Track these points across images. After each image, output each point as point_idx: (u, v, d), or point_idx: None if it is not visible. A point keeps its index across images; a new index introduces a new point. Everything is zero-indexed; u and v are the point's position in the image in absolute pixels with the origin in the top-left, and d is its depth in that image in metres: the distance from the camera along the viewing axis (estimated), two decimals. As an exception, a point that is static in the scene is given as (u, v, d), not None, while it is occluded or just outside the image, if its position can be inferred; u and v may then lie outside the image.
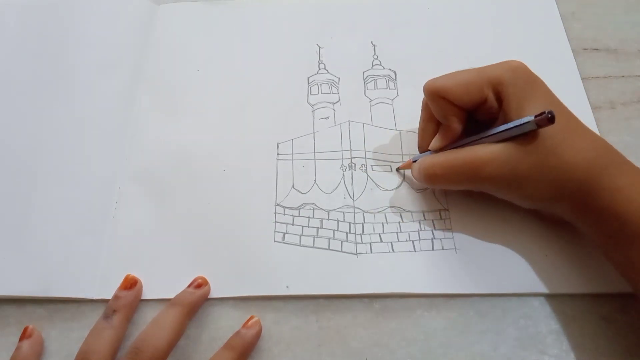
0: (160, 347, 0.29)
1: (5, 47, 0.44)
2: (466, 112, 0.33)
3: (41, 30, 0.45)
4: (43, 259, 0.35)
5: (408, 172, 0.38)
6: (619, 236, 0.28)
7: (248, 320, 0.33)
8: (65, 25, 0.45)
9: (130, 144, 0.40)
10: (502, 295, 0.33)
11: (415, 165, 0.34)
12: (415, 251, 0.34)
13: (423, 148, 0.36)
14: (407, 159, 0.38)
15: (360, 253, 0.34)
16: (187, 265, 0.35)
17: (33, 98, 0.42)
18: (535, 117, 0.28)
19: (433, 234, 0.35)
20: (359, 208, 0.36)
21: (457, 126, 0.33)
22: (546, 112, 0.28)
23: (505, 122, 0.30)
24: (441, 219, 0.36)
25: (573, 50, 0.42)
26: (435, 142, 0.34)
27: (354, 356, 0.32)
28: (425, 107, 0.35)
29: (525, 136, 0.29)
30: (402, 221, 0.36)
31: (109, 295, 0.33)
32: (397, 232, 0.35)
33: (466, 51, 0.43)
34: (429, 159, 0.33)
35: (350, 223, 0.36)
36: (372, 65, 0.43)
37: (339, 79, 0.43)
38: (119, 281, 0.34)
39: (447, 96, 0.32)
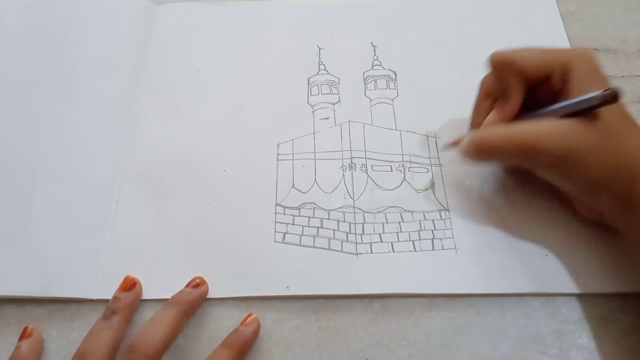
0: (155, 345, 0.29)
1: (5, 47, 0.44)
2: (526, 87, 0.32)
3: (41, 30, 0.45)
4: (43, 259, 0.35)
5: (408, 173, 0.38)
6: None
7: (246, 318, 0.33)
8: (65, 25, 0.45)
9: (130, 144, 0.40)
10: (502, 295, 0.33)
11: (464, 140, 0.33)
12: (415, 251, 0.34)
13: (476, 125, 0.35)
14: (407, 158, 0.38)
15: (360, 253, 0.34)
16: (187, 265, 0.35)
17: (33, 98, 0.42)
18: (602, 91, 0.28)
19: (433, 234, 0.35)
20: (359, 208, 0.36)
21: (517, 97, 0.32)
22: (612, 87, 0.28)
23: None
24: (441, 219, 0.36)
25: None
26: (492, 117, 0.33)
27: (354, 356, 0.32)
28: (484, 84, 0.35)
29: (587, 116, 0.29)
30: (402, 221, 0.36)
31: (108, 295, 0.33)
32: (397, 232, 0.35)
33: (466, 51, 0.43)
34: (481, 131, 0.32)
35: (350, 223, 0.36)
36: (372, 66, 0.43)
37: (339, 79, 0.43)
38: (118, 281, 0.34)
39: (517, 62, 0.32)
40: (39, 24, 0.45)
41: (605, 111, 0.29)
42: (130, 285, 0.33)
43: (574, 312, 0.32)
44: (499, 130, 0.32)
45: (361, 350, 0.32)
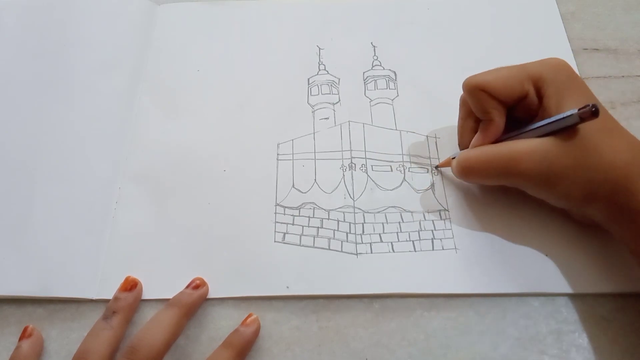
0: (156, 346, 0.29)
1: (4, 47, 0.44)
2: (506, 108, 0.32)
3: (41, 30, 0.45)
4: (43, 258, 0.35)
5: (408, 173, 0.38)
6: None
7: (246, 318, 0.33)
8: (65, 25, 0.45)
9: (130, 144, 0.40)
10: (502, 295, 0.33)
11: (454, 161, 0.34)
12: (415, 251, 0.34)
13: (463, 146, 0.35)
14: (407, 158, 0.38)
15: (360, 253, 0.34)
16: (187, 265, 0.35)
17: (33, 98, 0.42)
18: (579, 110, 0.28)
19: (433, 234, 0.35)
20: (359, 208, 0.36)
21: (499, 120, 0.32)
22: (590, 105, 0.27)
23: (545, 118, 0.30)
24: (441, 219, 0.36)
25: (573, 50, 0.42)
26: (476, 140, 0.33)
27: (354, 356, 0.32)
28: (463, 104, 0.35)
29: (565, 133, 0.29)
30: (402, 221, 0.36)
31: (108, 295, 0.33)
32: (397, 232, 0.35)
33: (466, 51, 0.43)
34: (465, 153, 0.33)
35: (350, 223, 0.36)
36: (372, 66, 0.43)
37: (339, 79, 0.43)
38: (119, 281, 0.34)
39: (488, 89, 0.31)
40: (39, 24, 0.45)
41: (585, 125, 0.29)
42: (131, 285, 0.33)
43: (574, 312, 0.32)
44: (480, 152, 0.32)
45: (361, 350, 0.32)
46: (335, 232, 0.35)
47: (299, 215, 0.36)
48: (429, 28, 0.45)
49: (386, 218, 0.36)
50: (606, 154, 0.29)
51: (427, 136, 0.39)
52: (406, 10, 0.46)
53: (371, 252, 0.35)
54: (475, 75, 0.32)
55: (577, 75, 0.32)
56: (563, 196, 0.31)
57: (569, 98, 0.30)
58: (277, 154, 0.39)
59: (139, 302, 0.34)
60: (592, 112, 0.27)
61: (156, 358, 0.29)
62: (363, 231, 0.35)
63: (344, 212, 0.36)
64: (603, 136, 0.29)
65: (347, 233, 0.35)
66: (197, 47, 0.45)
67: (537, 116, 0.32)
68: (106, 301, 0.33)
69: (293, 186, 0.37)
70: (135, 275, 0.34)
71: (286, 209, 0.37)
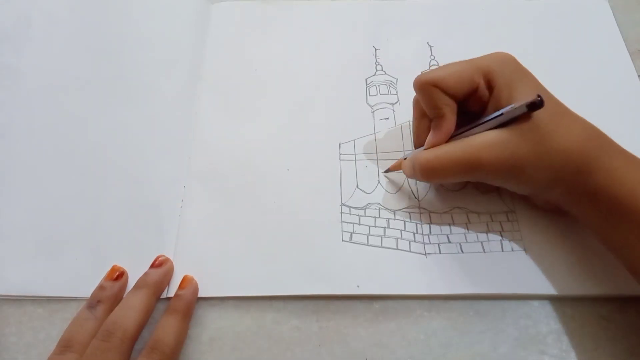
0: (130, 328, 0.30)
1: (64, 47, 0.44)
2: (456, 104, 0.33)
3: (97, 28, 0.45)
4: (113, 259, 0.35)
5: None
6: (614, 216, 0.29)
7: (182, 281, 0.33)
8: (121, 24, 0.46)
9: (192, 143, 0.40)
10: (502, 296, 0.33)
11: (407, 162, 0.34)
12: (484, 252, 0.34)
13: (419, 145, 0.35)
14: None
15: (429, 253, 0.34)
16: (253, 263, 0.34)
17: (95, 98, 0.42)
18: (526, 103, 0.29)
19: (502, 235, 0.35)
20: (424, 208, 0.36)
21: (450, 116, 0.32)
22: (536, 95, 0.28)
23: (496, 110, 0.31)
24: (508, 220, 0.35)
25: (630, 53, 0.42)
26: (431, 137, 0.33)
27: (354, 356, 0.32)
28: (417, 104, 0.35)
29: (519, 122, 0.30)
30: (469, 222, 0.35)
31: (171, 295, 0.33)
32: (464, 233, 0.35)
33: (520, 52, 0.41)
34: (424, 154, 0.33)
35: (417, 223, 0.36)
36: (429, 66, 0.43)
37: (397, 79, 0.43)
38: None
39: (441, 85, 0.32)
40: (94, 21, 0.45)
41: (537, 113, 0.29)
42: (117, 275, 0.33)
43: (573, 312, 0.32)
44: (440, 152, 0.32)
45: (361, 350, 0.32)
46: (403, 232, 0.35)
47: (365, 216, 0.36)
48: (485, 28, 0.45)
49: (452, 219, 0.36)
50: (562, 137, 0.29)
51: None
52: (461, 10, 0.46)
53: (440, 253, 0.34)
54: (427, 72, 0.33)
55: (523, 66, 0.32)
56: (527, 183, 0.31)
57: (519, 88, 0.31)
58: (340, 154, 0.39)
59: (124, 292, 0.34)
60: (538, 101, 0.28)
61: (131, 339, 0.30)
62: (430, 231, 0.35)
63: (409, 213, 0.36)
64: (557, 121, 0.30)
65: (414, 233, 0.35)
66: (252, 46, 0.45)
67: (488, 108, 0.32)
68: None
69: (357, 187, 0.37)
70: (201, 272, 0.34)
71: (352, 209, 0.36)
